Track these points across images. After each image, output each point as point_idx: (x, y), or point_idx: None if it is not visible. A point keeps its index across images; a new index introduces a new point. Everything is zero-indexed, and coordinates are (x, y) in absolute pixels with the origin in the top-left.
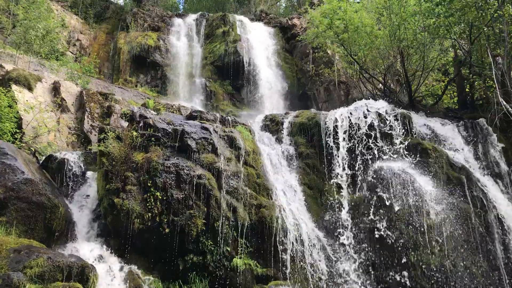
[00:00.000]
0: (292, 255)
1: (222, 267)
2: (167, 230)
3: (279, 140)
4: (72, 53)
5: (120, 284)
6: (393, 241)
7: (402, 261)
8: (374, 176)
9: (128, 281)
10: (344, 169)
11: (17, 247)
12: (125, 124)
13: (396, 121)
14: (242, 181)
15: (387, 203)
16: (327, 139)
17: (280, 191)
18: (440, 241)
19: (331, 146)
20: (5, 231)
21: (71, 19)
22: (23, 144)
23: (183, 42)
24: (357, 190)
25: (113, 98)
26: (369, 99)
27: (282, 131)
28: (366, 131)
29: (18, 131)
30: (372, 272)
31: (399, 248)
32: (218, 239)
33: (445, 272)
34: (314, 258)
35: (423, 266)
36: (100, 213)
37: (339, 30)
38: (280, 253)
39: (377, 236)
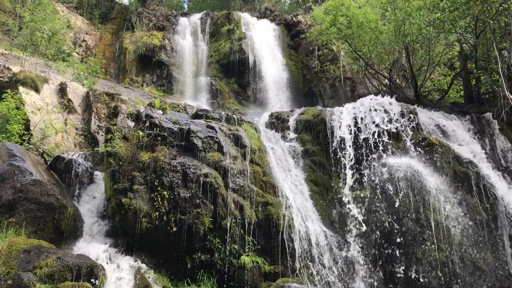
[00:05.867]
0: (299, 252)
1: (230, 265)
2: (174, 229)
3: (285, 138)
4: (78, 54)
5: (129, 283)
6: (400, 236)
7: (410, 256)
8: (381, 172)
9: (136, 280)
10: (350, 165)
11: (27, 247)
12: (131, 124)
13: (402, 117)
14: (248, 179)
15: (394, 199)
16: (332, 135)
17: (287, 188)
18: (447, 236)
19: (337, 143)
20: (15, 232)
21: (77, 20)
22: (31, 146)
23: (188, 41)
24: (363, 187)
25: (120, 98)
26: (375, 95)
27: (288, 129)
28: (372, 127)
29: (26, 132)
30: (380, 268)
31: (407, 243)
32: (226, 237)
33: (452, 267)
34: (322, 254)
35: (430, 261)
36: (108, 212)
37: (342, 27)
38: (287, 250)
39: (384, 231)
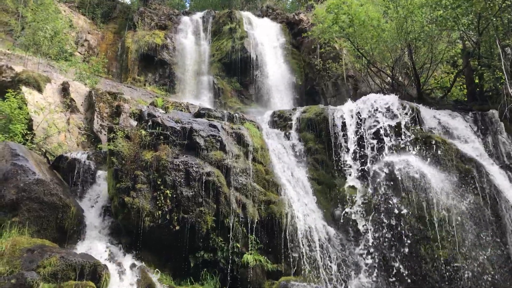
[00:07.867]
0: (302, 250)
1: (233, 263)
2: (177, 228)
3: (287, 136)
4: (80, 53)
5: (132, 282)
6: (403, 234)
7: (413, 255)
8: (383, 170)
9: (139, 279)
10: (353, 163)
11: (30, 246)
12: (134, 123)
13: (404, 115)
14: (251, 178)
15: (397, 197)
16: (335, 134)
17: (289, 187)
18: (451, 234)
19: (340, 141)
20: (18, 231)
21: (79, 19)
22: (34, 145)
23: (190, 40)
24: (366, 185)
25: (122, 98)
26: (377, 93)
27: (290, 127)
28: (375, 125)
29: (28, 132)
30: (383, 266)
31: (410, 242)
32: (228, 236)
33: (455, 264)
34: (324, 253)
35: (434, 259)
36: (111, 211)
37: (344, 25)
38: (290, 248)
39: (387, 230)
